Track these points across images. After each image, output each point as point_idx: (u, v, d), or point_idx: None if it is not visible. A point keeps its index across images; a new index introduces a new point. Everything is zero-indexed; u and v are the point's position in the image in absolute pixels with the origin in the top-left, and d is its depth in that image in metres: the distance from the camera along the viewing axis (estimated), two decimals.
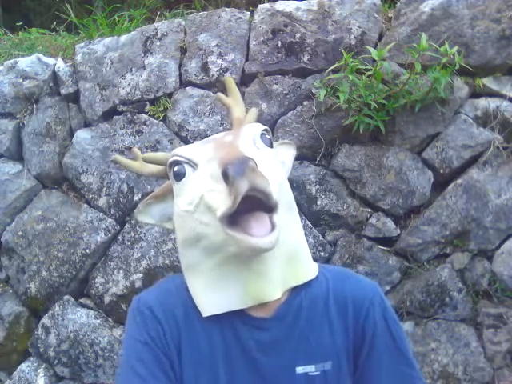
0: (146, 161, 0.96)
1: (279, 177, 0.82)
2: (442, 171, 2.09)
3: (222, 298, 0.82)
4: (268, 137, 0.87)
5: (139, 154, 1.00)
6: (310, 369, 0.83)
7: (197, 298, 0.85)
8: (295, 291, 0.86)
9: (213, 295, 0.83)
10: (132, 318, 0.87)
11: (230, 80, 1.00)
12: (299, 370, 0.83)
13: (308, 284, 0.86)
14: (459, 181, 2.08)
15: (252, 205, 0.71)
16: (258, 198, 0.70)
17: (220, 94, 1.01)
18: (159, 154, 0.97)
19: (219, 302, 0.82)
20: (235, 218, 0.72)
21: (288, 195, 0.86)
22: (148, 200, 0.97)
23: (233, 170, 0.69)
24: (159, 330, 0.84)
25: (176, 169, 0.84)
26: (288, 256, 0.83)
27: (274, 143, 0.93)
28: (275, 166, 0.83)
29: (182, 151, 0.85)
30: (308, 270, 0.87)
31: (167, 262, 2.25)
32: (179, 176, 0.83)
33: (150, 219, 0.97)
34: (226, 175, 0.70)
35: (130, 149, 2.32)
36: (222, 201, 0.72)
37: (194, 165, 0.82)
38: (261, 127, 0.87)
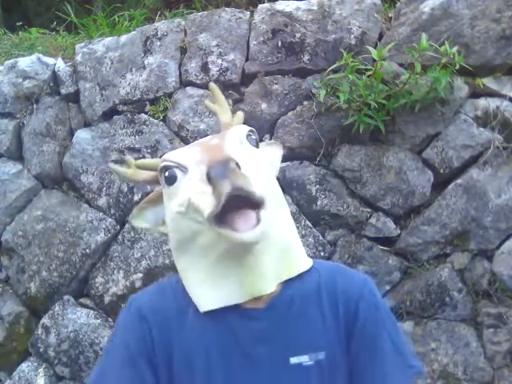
0: (139, 167, 0.98)
1: (266, 174, 0.85)
2: (442, 171, 2.09)
3: (219, 294, 0.85)
4: (254, 137, 0.90)
5: (132, 162, 1.01)
6: (304, 359, 0.85)
7: (194, 296, 0.88)
8: (288, 284, 0.89)
9: (210, 292, 0.86)
10: (121, 316, 0.92)
11: (215, 87, 1.04)
12: (293, 360, 0.85)
13: (301, 277, 0.89)
14: (459, 181, 2.08)
15: (240, 203, 0.74)
16: (244, 197, 0.74)
17: (207, 102, 1.05)
18: (150, 160, 1.00)
19: (216, 297, 0.85)
20: (224, 216, 0.75)
21: (276, 192, 0.89)
22: (142, 205, 0.99)
23: (215, 172, 0.74)
24: (145, 329, 0.87)
25: (167, 174, 0.86)
26: (280, 250, 0.86)
27: (261, 144, 0.96)
28: (261, 164, 0.87)
29: (172, 156, 0.87)
30: (300, 263, 0.91)
31: (167, 261, 2.24)
32: (171, 180, 0.85)
33: (145, 223, 0.99)
34: (209, 177, 0.75)
35: (130, 149, 2.32)
36: (208, 202, 0.75)
37: (183, 169, 0.84)
38: (246, 128, 0.90)
